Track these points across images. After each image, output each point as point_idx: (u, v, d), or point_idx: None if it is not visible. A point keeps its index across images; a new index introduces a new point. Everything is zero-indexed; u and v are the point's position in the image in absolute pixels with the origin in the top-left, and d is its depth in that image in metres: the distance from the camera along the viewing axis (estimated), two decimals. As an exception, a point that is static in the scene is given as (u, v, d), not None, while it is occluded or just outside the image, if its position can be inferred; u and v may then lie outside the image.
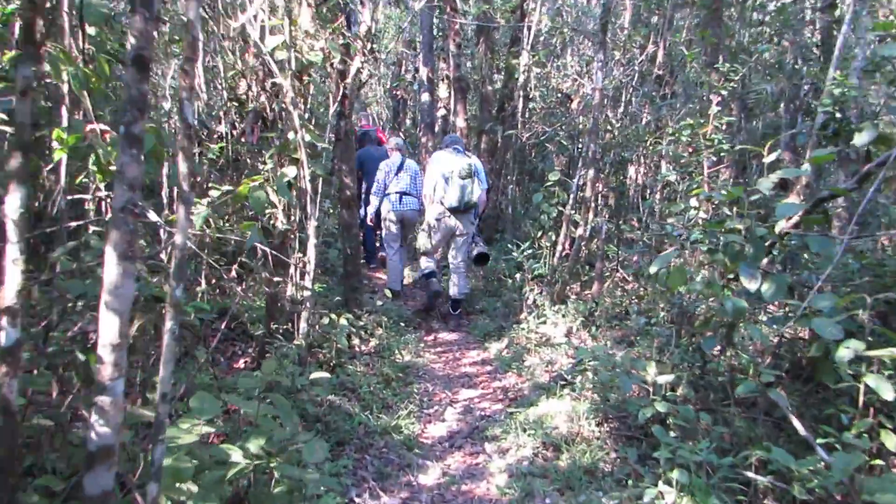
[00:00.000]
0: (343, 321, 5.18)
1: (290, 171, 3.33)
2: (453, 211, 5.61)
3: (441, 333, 5.94)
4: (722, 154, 4.43)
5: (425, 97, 8.54)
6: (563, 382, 4.35)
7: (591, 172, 5.70)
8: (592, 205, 5.85)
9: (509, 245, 6.63)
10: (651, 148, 6.41)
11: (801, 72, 5.17)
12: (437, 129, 11.81)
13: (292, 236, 3.51)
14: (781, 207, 2.92)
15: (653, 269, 2.95)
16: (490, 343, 5.61)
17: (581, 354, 3.52)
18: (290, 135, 3.35)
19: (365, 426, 3.57)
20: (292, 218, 3.60)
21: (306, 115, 3.52)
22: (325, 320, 5.14)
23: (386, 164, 6.51)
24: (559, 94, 8.13)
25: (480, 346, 5.62)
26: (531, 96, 8.12)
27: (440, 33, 10.02)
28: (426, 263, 5.94)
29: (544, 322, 5.70)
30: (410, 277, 7.32)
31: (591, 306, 5.60)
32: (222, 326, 3.15)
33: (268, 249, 3.34)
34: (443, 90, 11.29)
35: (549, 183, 6.64)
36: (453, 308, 5.93)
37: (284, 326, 3.84)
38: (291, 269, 3.41)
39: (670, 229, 3.85)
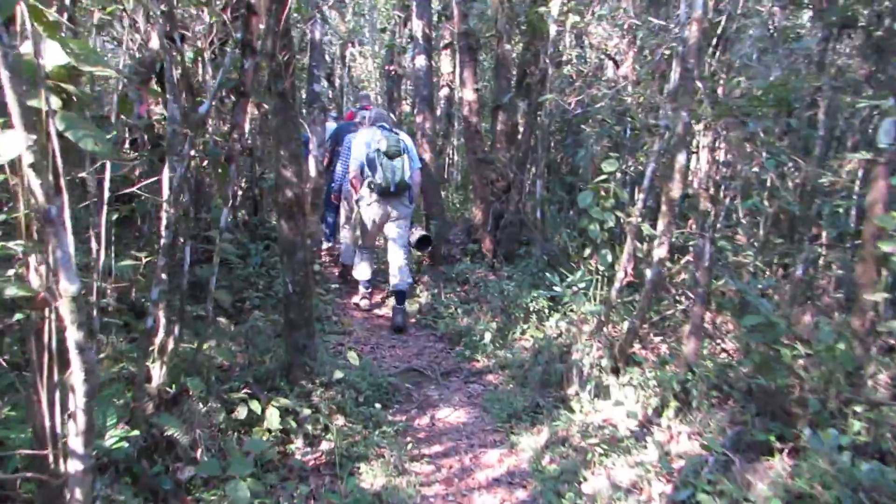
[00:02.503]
0: (273, 414, 3.09)
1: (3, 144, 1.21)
2: (384, 194, 5.00)
3: (441, 410, 3.82)
4: None
5: (420, 62, 6.35)
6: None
7: (682, 158, 3.55)
8: (677, 210, 3.70)
9: (543, 272, 4.49)
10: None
11: None
12: (438, 110, 9.63)
13: (49, 309, 1.39)
14: None
15: None
16: (520, 434, 3.48)
17: None
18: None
19: None
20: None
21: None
22: (242, 412, 3.05)
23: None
24: (602, 56, 5.95)
25: (504, 438, 3.49)
26: (565, 58, 5.95)
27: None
28: (362, 269, 5.36)
29: (606, 398, 3.59)
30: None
31: (684, 375, 3.46)
32: None
33: None
34: (446, 63, 9.07)
35: (601, 178, 4.50)
36: (399, 301, 5.17)
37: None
38: (40, 389, 1.32)
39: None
